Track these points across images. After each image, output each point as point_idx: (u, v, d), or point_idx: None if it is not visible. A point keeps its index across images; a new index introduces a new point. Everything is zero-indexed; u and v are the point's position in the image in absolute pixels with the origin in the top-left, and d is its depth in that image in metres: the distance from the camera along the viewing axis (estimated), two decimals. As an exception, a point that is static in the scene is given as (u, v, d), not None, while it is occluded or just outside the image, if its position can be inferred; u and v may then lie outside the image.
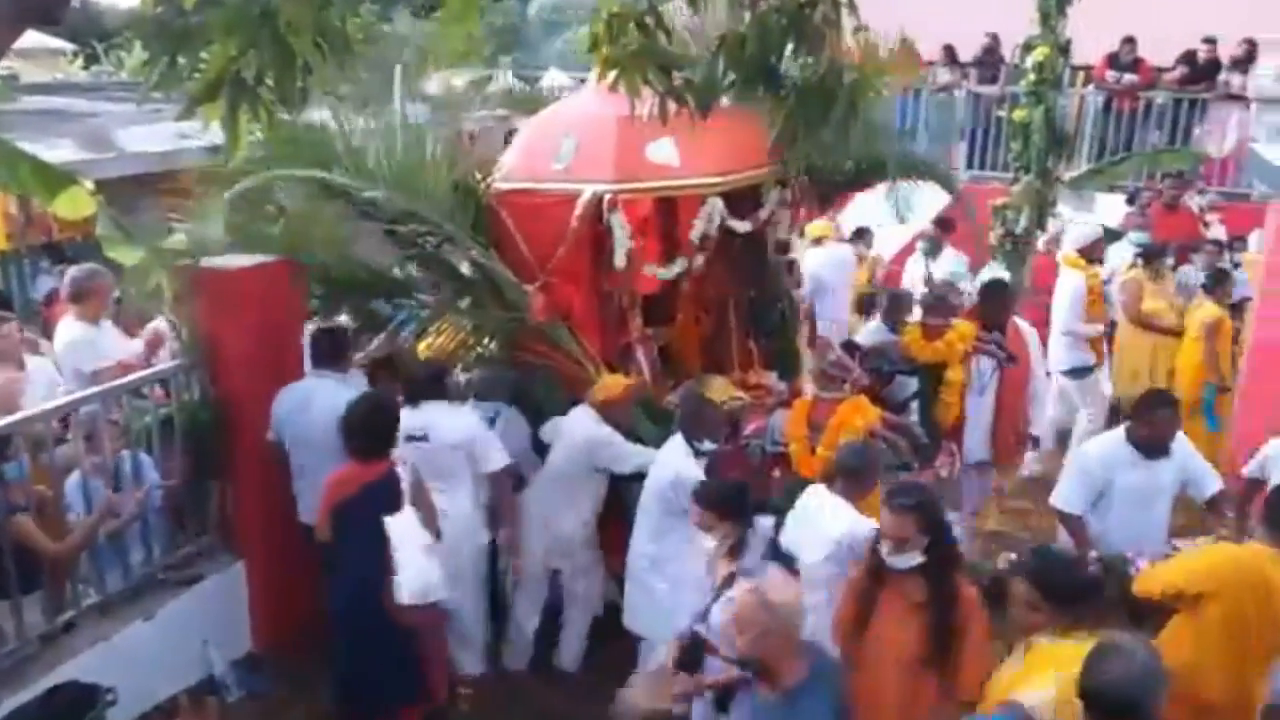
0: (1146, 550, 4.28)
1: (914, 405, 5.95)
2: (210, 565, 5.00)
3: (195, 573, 4.91)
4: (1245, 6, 11.12)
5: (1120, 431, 4.58)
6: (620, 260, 5.17)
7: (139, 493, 4.55)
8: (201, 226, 4.90)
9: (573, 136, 5.35)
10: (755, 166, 5.55)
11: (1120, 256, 8.17)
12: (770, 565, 3.63)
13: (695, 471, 4.39)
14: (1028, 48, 8.93)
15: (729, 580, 3.61)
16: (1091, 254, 7.27)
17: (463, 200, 5.41)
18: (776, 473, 4.95)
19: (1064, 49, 8.84)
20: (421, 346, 5.72)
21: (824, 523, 3.88)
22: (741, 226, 5.55)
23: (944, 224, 8.70)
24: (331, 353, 4.99)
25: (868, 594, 3.39)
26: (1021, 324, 6.16)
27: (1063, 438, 7.43)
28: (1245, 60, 11.29)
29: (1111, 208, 9.59)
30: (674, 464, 4.40)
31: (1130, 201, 9.65)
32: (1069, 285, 7.11)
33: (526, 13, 20.95)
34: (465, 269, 5.38)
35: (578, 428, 4.89)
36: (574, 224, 5.12)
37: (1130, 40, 11.40)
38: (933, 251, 8.75)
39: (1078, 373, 7.22)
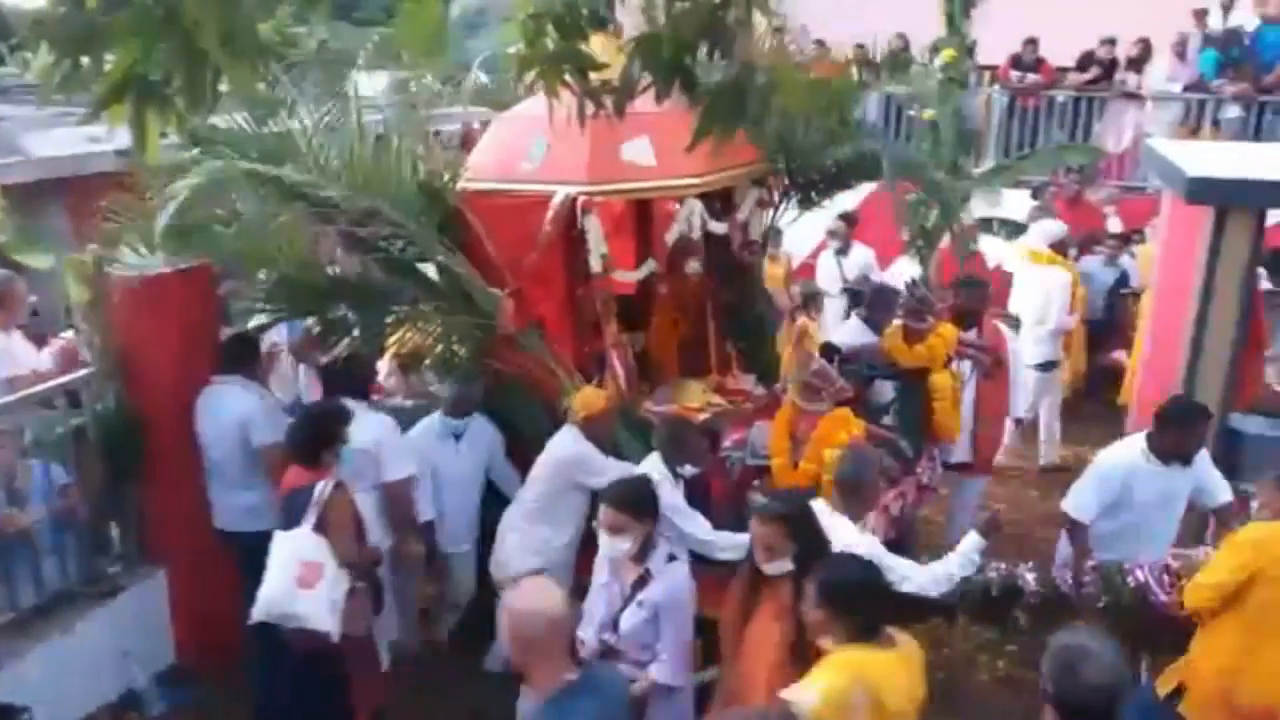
0: (1145, 558, 4.16)
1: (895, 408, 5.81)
2: (129, 576, 4.89)
3: (114, 584, 4.80)
4: (1140, 8, 11.60)
5: (1139, 439, 4.40)
6: (595, 264, 4.96)
7: (51, 505, 4.46)
8: (139, 231, 4.60)
9: (544, 135, 5.10)
10: (732, 166, 5.34)
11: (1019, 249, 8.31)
12: (675, 565, 3.62)
13: (673, 497, 4.20)
14: (935, 49, 9.12)
15: (640, 582, 3.60)
16: (1063, 249, 7.33)
17: (429, 201, 5.17)
18: (756, 484, 4.75)
19: (970, 50, 9.03)
20: (387, 355, 5.48)
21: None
22: (719, 228, 5.34)
23: (850, 219, 8.85)
24: (239, 357, 4.95)
25: (747, 596, 3.39)
26: (999, 324, 6.05)
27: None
28: (1140, 60, 11.88)
29: (1018, 203, 9.76)
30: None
31: (1035, 196, 9.84)
32: (1053, 281, 7.13)
33: (448, 15, 20.25)
34: (432, 273, 5.14)
35: (558, 446, 4.69)
36: (546, 227, 4.90)
37: (1032, 41, 11.87)
38: (844, 249, 8.96)
39: (1046, 367, 7.31)
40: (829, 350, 5.90)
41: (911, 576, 3.67)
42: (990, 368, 5.62)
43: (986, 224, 8.88)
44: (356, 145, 5.10)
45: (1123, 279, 8.47)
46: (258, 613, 3.77)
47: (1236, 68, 11.40)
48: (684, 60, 3.10)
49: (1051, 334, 7.23)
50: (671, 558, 3.70)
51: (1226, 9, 12.22)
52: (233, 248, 5.02)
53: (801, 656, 3.04)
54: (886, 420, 5.92)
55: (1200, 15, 11.79)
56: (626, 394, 5.22)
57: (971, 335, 5.66)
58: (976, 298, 5.94)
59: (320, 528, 3.90)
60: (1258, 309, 4.74)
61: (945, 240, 7.66)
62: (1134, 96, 11.77)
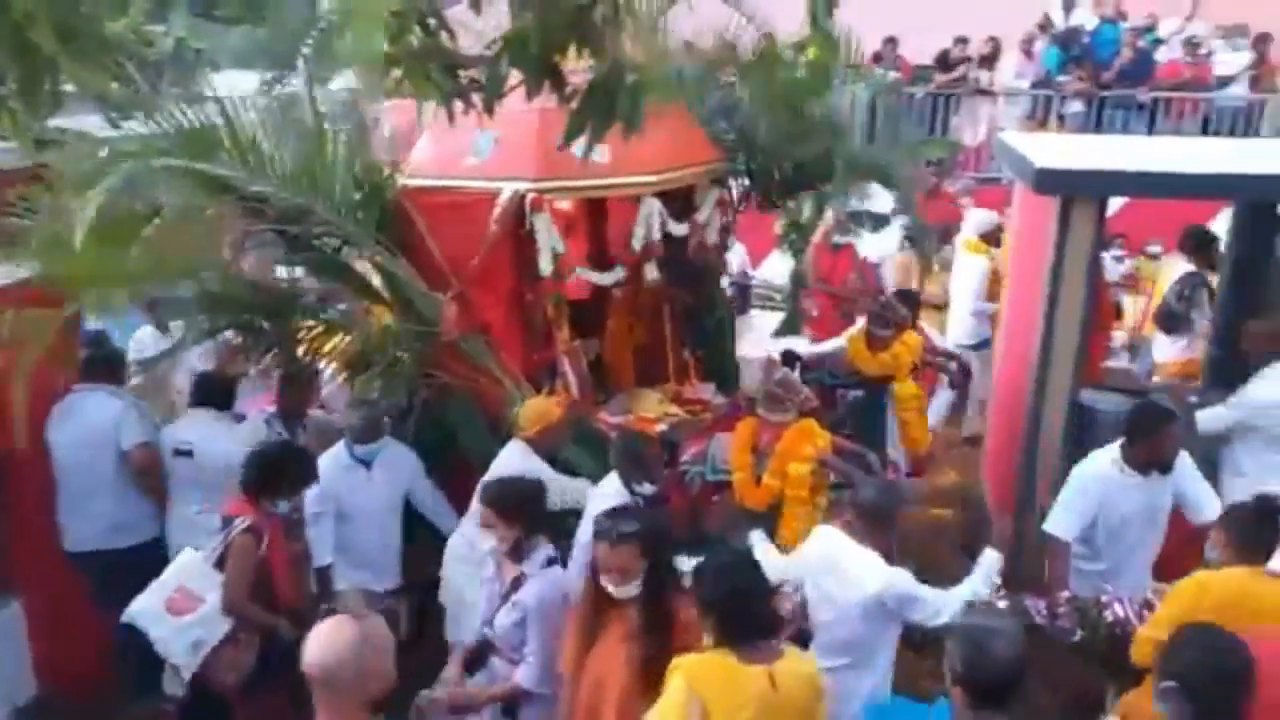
0: (1129, 576, 3.99)
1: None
2: (-15, 607, 4.53)
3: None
4: (992, 8, 12.18)
5: (1113, 450, 4.17)
6: (545, 266, 4.65)
7: None
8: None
9: (491, 129, 4.76)
10: (691, 164, 5.07)
11: (890, 241, 8.55)
12: (551, 570, 3.52)
13: None
14: (800, 47, 9.03)
15: (516, 583, 3.52)
16: (993, 239, 7.50)
17: (366, 198, 4.82)
18: (717, 500, 4.47)
19: (834, 48, 9.06)
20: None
21: (853, 575, 3.41)
22: (678, 229, 5.06)
23: None
24: (104, 365, 4.76)
25: (590, 623, 3.22)
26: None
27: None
28: (991, 57, 12.72)
29: (881, 195, 9.77)
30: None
31: None
32: (973, 268, 7.45)
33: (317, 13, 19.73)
34: (370, 275, 4.79)
35: (503, 465, 4.33)
36: (493, 226, 4.58)
37: (892, 40, 12.42)
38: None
39: (982, 345, 7.30)
40: (789, 357, 5.67)
41: (944, 609, 3.36)
42: (958, 377, 5.40)
43: (855, 217, 8.81)
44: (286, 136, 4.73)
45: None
46: (126, 616, 3.73)
47: (1078, 64, 12.32)
48: (552, 59, 3.02)
49: (974, 315, 7.41)
50: (551, 561, 3.56)
51: (1068, 8, 13.11)
52: (151, 251, 4.61)
53: (651, 679, 2.90)
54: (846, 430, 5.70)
55: (1046, 16, 12.71)
56: (580, 404, 4.92)
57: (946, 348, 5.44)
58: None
59: (221, 564, 3.82)
60: (1102, 291, 4.92)
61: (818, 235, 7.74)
62: (986, 93, 12.53)
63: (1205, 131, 11.97)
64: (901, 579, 3.38)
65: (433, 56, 2.90)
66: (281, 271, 5.53)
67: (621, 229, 5.22)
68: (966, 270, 7.56)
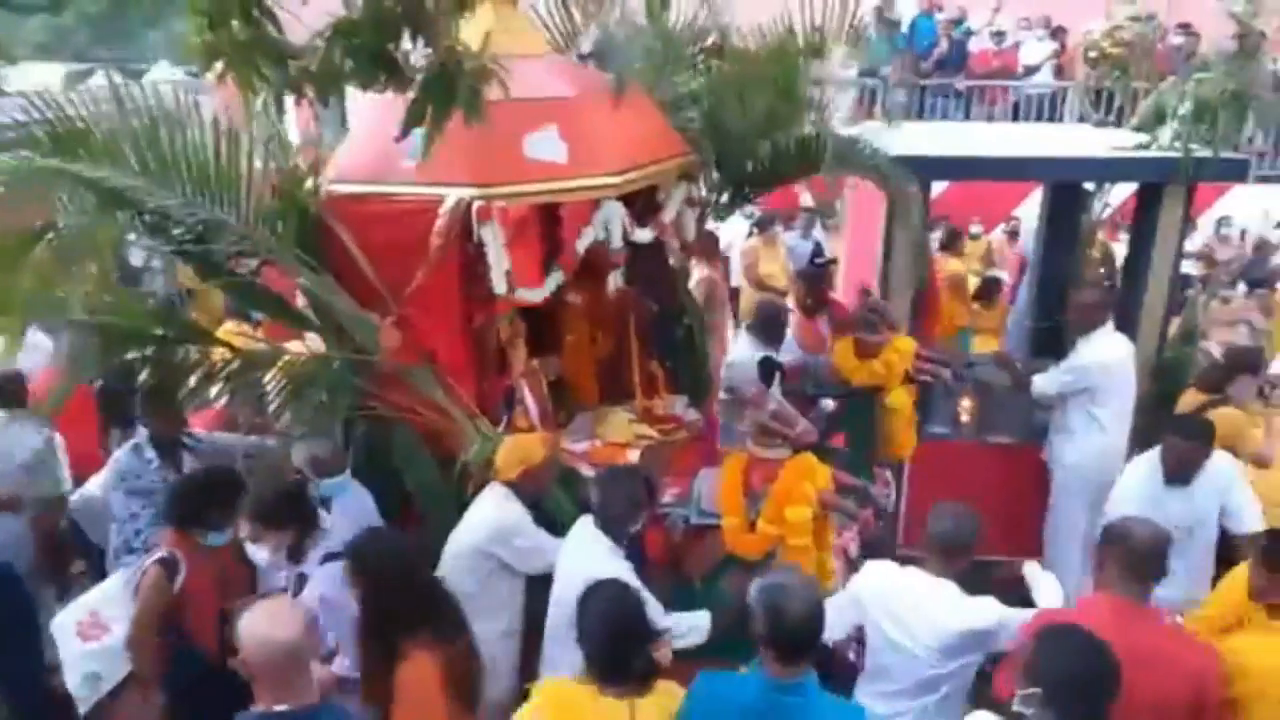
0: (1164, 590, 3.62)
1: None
2: None
3: None
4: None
5: (1152, 457, 4.27)
6: (497, 283, 4.06)
7: None
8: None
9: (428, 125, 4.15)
10: (657, 160, 4.51)
11: (735, 228, 9.37)
12: (329, 565, 3.42)
13: (625, 576, 3.37)
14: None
15: (300, 583, 3.52)
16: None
17: (284, 208, 4.17)
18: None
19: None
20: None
21: (928, 613, 3.10)
22: (643, 235, 4.49)
23: None
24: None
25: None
26: None
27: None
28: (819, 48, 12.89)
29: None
30: (594, 568, 3.29)
31: None
32: None
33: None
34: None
35: (481, 514, 3.81)
36: (435, 239, 3.97)
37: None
38: None
39: None
40: (768, 365, 5.16)
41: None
42: (952, 379, 4.95)
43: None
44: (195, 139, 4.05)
45: (817, 249, 9.33)
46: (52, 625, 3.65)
47: (900, 55, 12.76)
48: (385, 47, 3.07)
49: None
50: (329, 557, 3.47)
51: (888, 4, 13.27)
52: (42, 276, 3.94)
53: (457, 695, 2.97)
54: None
55: (878, 9, 12.72)
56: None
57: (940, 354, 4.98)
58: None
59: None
60: (931, 271, 5.29)
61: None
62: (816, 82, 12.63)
63: (1015, 118, 12.88)
64: (994, 612, 3.11)
65: (257, 47, 2.88)
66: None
67: (576, 232, 4.63)
68: None
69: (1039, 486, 5.20)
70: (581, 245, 4.22)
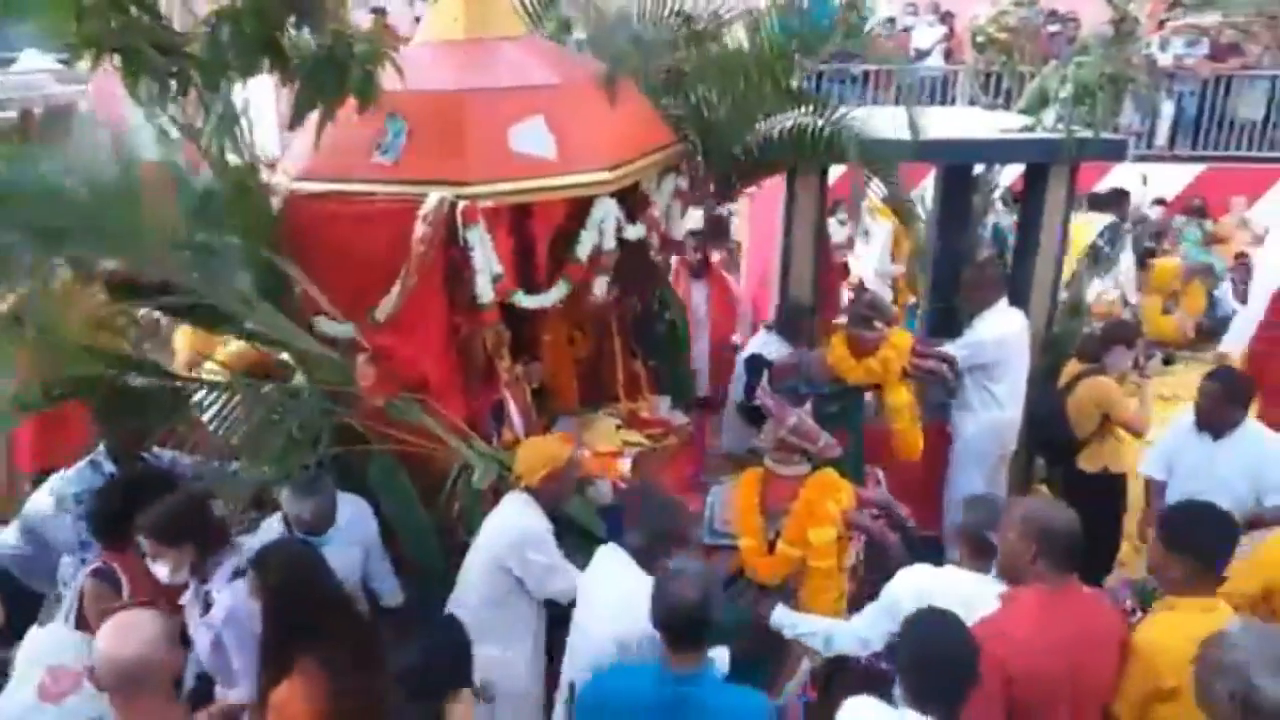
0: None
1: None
2: None
3: None
4: None
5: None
6: (484, 291, 3.75)
7: None
8: None
9: (400, 116, 3.82)
10: (647, 151, 4.24)
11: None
12: (235, 585, 3.24)
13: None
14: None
15: (206, 604, 3.34)
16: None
17: (231, 204, 3.77)
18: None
19: (567, 26, 8.90)
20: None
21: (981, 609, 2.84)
22: (634, 232, 4.22)
23: None
24: None
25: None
26: None
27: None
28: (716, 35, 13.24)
29: None
30: (638, 607, 2.86)
31: None
32: (880, 232, 7.81)
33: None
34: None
35: (501, 525, 3.52)
36: (418, 245, 3.63)
37: None
38: None
39: None
40: (756, 364, 4.95)
41: None
42: (953, 383, 4.80)
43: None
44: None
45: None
46: None
47: (799, 39, 12.41)
48: (270, 34, 3.03)
49: (878, 276, 7.84)
50: (236, 574, 3.30)
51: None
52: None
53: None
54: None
55: None
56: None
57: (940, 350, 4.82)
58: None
59: (83, 625, 3.34)
60: (829, 253, 5.38)
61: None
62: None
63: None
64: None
65: (135, 34, 2.81)
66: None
67: (546, 228, 4.34)
68: (874, 234, 7.95)
69: (945, 460, 5.28)
70: (583, 250, 3.93)
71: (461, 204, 3.63)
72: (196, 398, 3.87)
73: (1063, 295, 5.80)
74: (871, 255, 8.02)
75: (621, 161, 3.99)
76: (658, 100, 4.58)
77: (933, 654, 2.41)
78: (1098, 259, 7.64)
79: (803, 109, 4.34)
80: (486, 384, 4.05)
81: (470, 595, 3.51)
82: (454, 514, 3.86)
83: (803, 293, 5.14)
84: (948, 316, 5.78)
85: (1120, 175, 10.90)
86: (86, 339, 3.68)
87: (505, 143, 3.79)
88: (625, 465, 4.41)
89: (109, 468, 3.95)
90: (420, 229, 3.64)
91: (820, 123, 4.22)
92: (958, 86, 12.51)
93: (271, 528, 3.71)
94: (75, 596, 3.45)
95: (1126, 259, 8.13)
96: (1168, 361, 7.93)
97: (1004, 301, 5.06)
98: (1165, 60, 12.30)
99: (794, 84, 4.57)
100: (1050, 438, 5.22)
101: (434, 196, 3.64)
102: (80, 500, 3.83)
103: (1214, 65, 11.99)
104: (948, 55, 13.42)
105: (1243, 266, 9.26)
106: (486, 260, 3.70)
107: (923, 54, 13.36)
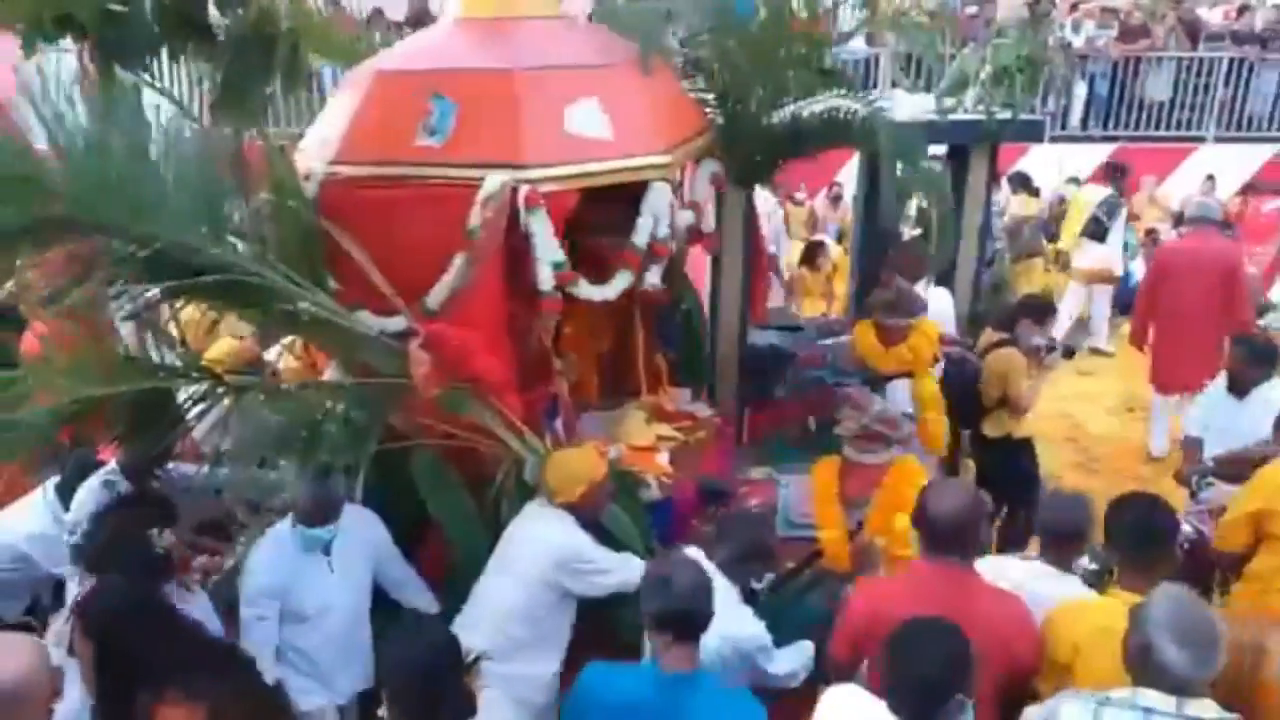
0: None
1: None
2: None
3: None
4: None
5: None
6: (544, 280, 3.64)
7: None
8: None
9: (446, 96, 3.67)
10: (691, 136, 4.18)
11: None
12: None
13: (756, 628, 3.15)
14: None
15: None
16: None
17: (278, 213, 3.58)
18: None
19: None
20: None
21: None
22: (685, 218, 4.16)
23: None
24: None
25: None
26: None
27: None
28: None
29: None
30: (725, 622, 2.97)
31: None
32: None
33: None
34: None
35: (545, 542, 3.42)
36: (480, 231, 3.50)
37: None
38: None
39: None
40: (772, 355, 4.99)
41: None
42: (978, 363, 4.92)
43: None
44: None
45: None
46: None
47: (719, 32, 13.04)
48: (193, 12, 3.13)
49: None
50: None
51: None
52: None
53: None
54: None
55: None
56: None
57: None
58: None
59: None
60: (759, 238, 5.35)
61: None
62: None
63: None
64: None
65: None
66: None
67: (559, 214, 4.22)
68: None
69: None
70: (640, 238, 3.84)
71: (524, 188, 3.51)
72: (227, 402, 3.62)
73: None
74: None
75: (673, 145, 3.94)
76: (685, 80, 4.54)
77: (915, 665, 2.42)
78: (1096, 229, 8.64)
79: (835, 91, 4.32)
80: (541, 378, 3.94)
81: (496, 613, 3.39)
82: (502, 511, 3.76)
83: (734, 274, 5.04)
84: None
85: (1037, 156, 11.46)
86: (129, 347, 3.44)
87: (561, 124, 3.69)
88: (664, 460, 4.36)
89: (123, 486, 3.71)
90: (478, 214, 3.52)
91: (857, 106, 4.22)
92: (880, 69, 12.70)
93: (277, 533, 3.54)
94: (68, 628, 3.11)
95: (1118, 230, 8.72)
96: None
97: (930, 281, 5.26)
98: (1078, 42, 12.91)
99: (826, 64, 4.53)
100: (959, 404, 5.18)
101: (494, 179, 3.51)
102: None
103: (1123, 47, 12.57)
104: (869, 39, 13.50)
105: (1152, 241, 10.00)
106: (548, 247, 3.60)
107: (846, 36, 13.65)
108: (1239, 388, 4.74)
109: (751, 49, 4.41)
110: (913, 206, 7.34)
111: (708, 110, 4.58)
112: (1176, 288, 6.59)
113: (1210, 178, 11.31)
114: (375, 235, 3.67)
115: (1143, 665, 2.37)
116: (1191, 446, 4.92)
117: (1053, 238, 10.26)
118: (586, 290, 3.78)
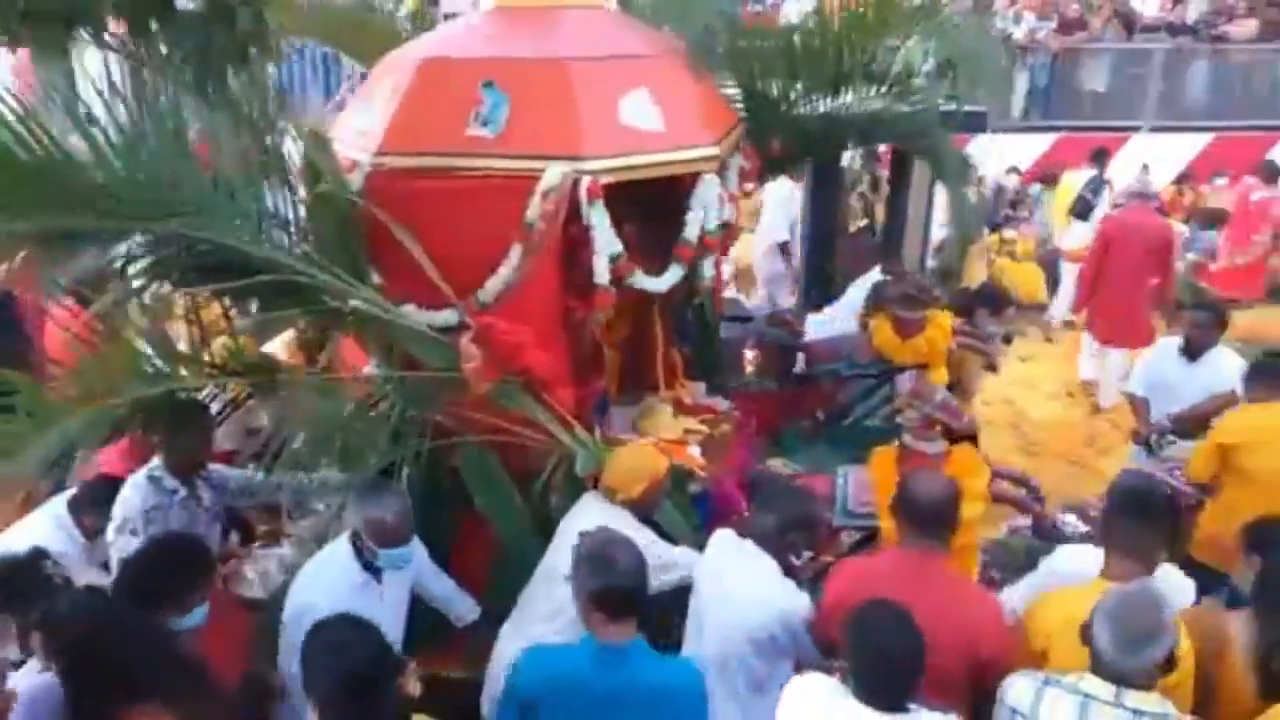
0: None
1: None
2: None
3: None
4: None
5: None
6: (602, 272, 3.66)
7: None
8: None
9: (498, 86, 3.65)
10: (728, 129, 4.23)
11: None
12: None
13: (802, 601, 3.19)
14: None
15: None
16: None
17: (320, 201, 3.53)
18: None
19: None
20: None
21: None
22: (728, 214, 4.20)
23: None
24: None
25: None
26: None
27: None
28: None
29: None
30: (773, 596, 3.14)
31: None
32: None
33: None
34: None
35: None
36: (537, 223, 3.50)
37: None
38: None
39: None
40: (790, 346, 5.10)
41: None
42: (994, 360, 5.10)
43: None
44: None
45: None
46: None
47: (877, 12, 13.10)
48: None
49: None
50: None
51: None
52: None
53: None
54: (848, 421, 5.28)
55: None
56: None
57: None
58: None
59: None
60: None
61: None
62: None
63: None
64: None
65: None
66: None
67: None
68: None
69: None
70: (692, 231, 3.88)
71: (585, 179, 3.52)
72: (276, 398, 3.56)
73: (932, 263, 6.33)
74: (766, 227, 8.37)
75: (719, 137, 3.99)
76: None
77: (878, 649, 2.49)
78: (1084, 207, 9.22)
79: (875, 88, 4.42)
80: (593, 372, 3.95)
81: (557, 615, 3.30)
82: (550, 506, 3.78)
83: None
84: (824, 285, 6.18)
85: (978, 146, 11.82)
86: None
87: (616, 115, 3.71)
88: (695, 452, 4.41)
89: (170, 483, 3.60)
90: (537, 206, 3.51)
91: (902, 105, 4.31)
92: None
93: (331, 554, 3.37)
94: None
95: (1103, 207, 9.13)
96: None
97: (877, 269, 5.46)
98: (1018, 35, 13.33)
99: (868, 62, 4.61)
100: None
101: (555, 171, 3.51)
102: (151, 519, 3.48)
103: (1062, 39, 13.01)
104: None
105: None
106: (606, 239, 3.62)
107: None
108: (1194, 350, 5.07)
109: (788, 43, 4.47)
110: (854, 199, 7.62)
111: (735, 103, 4.64)
112: (1120, 253, 7.27)
113: (1145, 167, 11.82)
114: (426, 227, 3.63)
115: (1090, 652, 2.48)
116: (1140, 405, 5.27)
117: (995, 227, 10.56)
118: (642, 281, 3.80)
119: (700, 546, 3.59)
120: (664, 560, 3.45)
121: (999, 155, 12.08)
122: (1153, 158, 12.08)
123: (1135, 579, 2.77)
